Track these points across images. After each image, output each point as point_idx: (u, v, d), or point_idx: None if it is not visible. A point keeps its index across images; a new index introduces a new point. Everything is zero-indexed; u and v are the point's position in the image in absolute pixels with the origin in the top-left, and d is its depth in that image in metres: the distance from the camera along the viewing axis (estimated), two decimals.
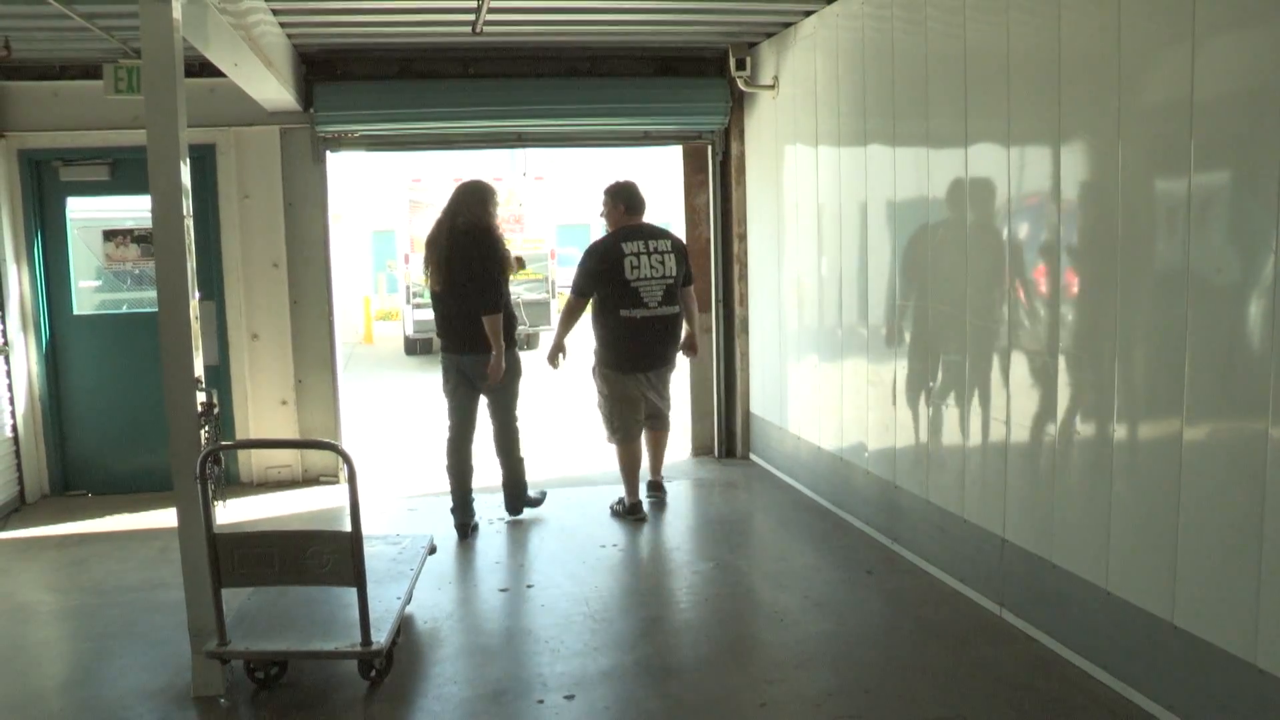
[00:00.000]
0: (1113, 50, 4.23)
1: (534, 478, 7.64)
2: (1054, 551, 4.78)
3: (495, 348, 6.62)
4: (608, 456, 7.97)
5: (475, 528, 6.98)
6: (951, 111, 5.45)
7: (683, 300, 7.24)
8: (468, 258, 6.63)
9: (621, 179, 7.34)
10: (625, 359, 7.09)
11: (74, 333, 8.19)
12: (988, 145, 5.20)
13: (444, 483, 7.10)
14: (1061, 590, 4.74)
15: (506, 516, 7.33)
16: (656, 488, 7.63)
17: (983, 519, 5.37)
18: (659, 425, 7.44)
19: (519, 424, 7.11)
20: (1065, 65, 4.55)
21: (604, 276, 6.99)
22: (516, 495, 7.24)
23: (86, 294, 8.38)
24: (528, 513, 7.40)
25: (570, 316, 7.32)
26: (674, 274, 7.07)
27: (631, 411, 7.20)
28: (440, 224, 6.83)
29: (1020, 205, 4.96)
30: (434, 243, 6.81)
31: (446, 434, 7.00)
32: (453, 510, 6.98)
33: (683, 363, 7.89)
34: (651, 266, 7.00)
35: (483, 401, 6.99)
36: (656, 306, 7.02)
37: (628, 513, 7.25)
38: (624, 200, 7.19)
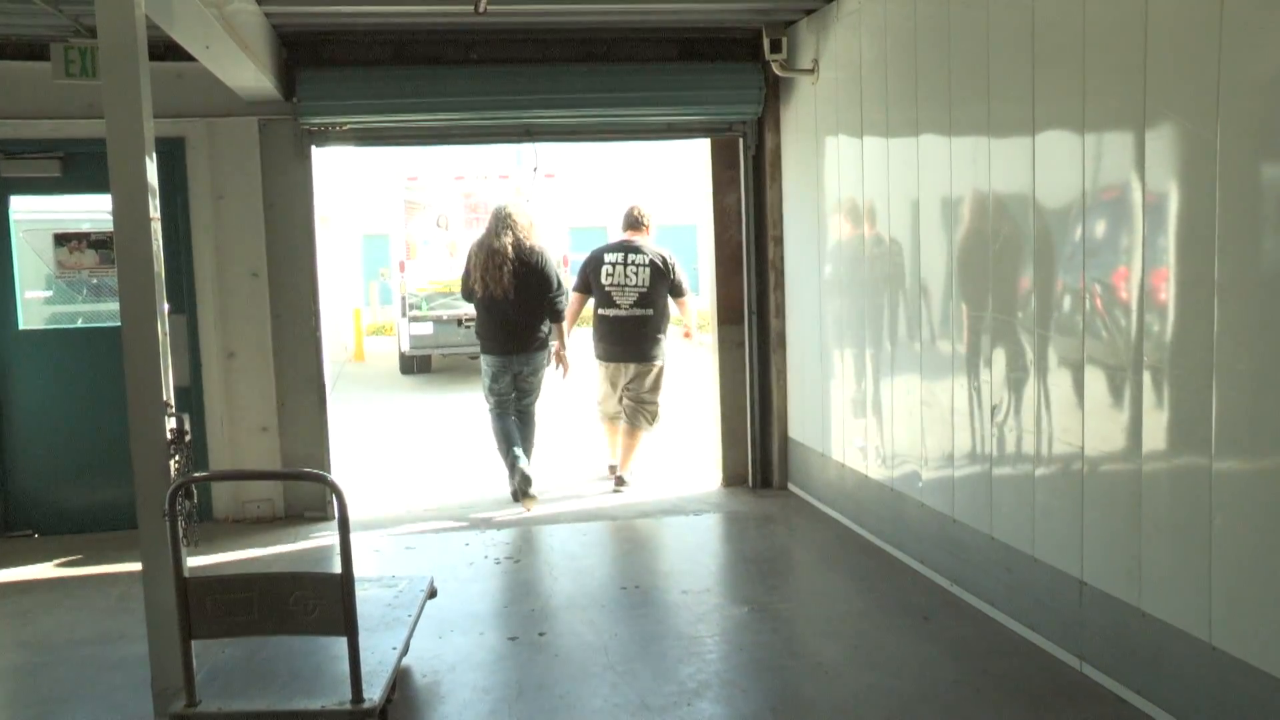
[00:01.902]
0: (1213, 13, 4.12)
1: (545, 511, 8.16)
2: (1143, 597, 4.67)
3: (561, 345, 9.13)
4: (625, 489, 9.13)
5: (529, 480, 8.61)
6: (1016, 95, 5.39)
7: (662, 308, 9.27)
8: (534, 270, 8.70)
9: (630, 203, 9.61)
10: (601, 349, 9.40)
11: (19, 350, 8.12)
12: (1059, 132, 5.12)
13: (443, 520, 7.86)
14: (1154, 643, 4.62)
15: (516, 557, 7.37)
16: (618, 480, 9.39)
17: (1056, 558, 5.28)
18: (632, 422, 9.31)
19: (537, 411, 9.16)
20: (1153, 34, 4.46)
21: (589, 279, 9.33)
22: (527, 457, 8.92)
23: (35, 306, 8.34)
24: (539, 552, 7.46)
25: (572, 310, 9.46)
26: (646, 284, 9.15)
27: (608, 395, 9.45)
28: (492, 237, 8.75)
29: (1097, 200, 4.88)
30: (495, 253, 8.65)
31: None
32: (509, 477, 8.75)
33: (710, 382, 9.40)
34: (625, 276, 9.18)
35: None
36: (628, 308, 9.17)
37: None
38: (624, 221, 9.57)
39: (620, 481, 9.32)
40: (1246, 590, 4.13)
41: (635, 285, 9.12)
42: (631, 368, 9.23)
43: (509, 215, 8.74)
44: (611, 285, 9.16)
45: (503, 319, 8.69)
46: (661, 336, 9.26)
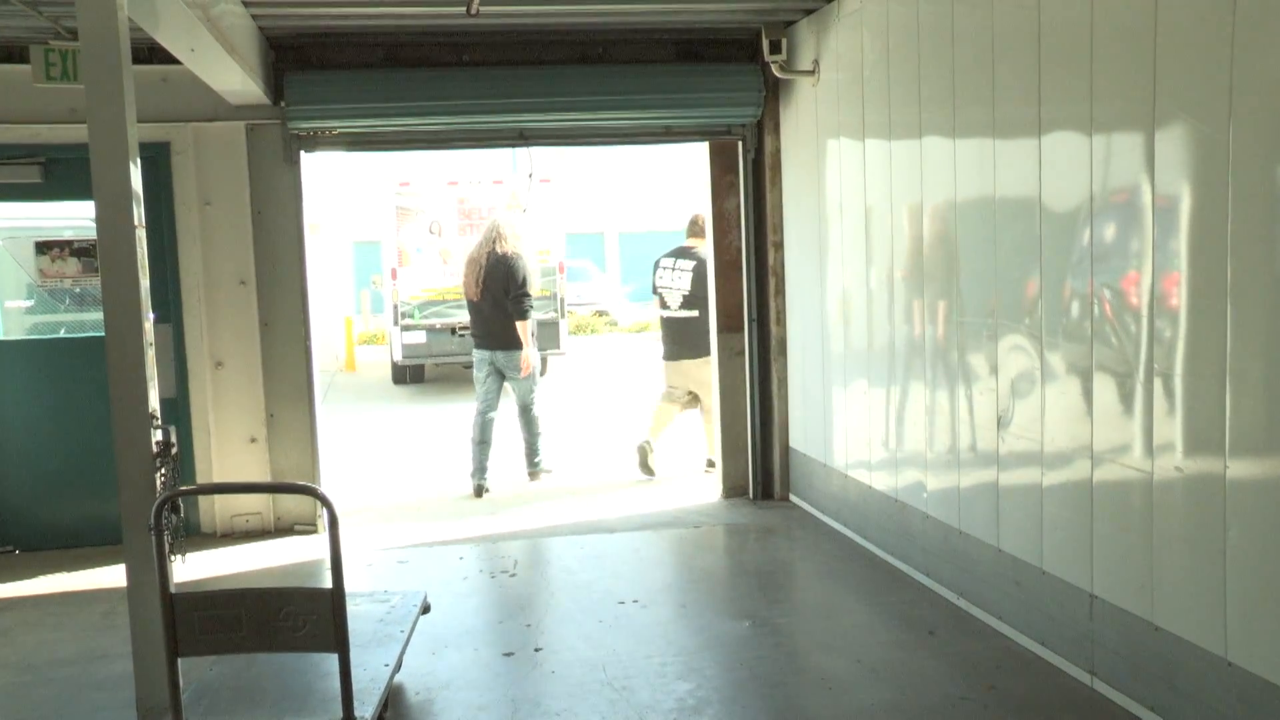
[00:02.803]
0: (1225, 11, 4.11)
1: (545, 523, 8.22)
2: (1155, 611, 4.65)
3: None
4: (625, 500, 9.19)
5: (482, 490, 9.66)
6: (1022, 96, 5.38)
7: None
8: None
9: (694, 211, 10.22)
10: (662, 348, 10.46)
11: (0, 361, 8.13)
12: (1066, 134, 5.11)
13: (438, 533, 8.16)
14: (1168, 658, 4.59)
15: (512, 571, 7.34)
16: (709, 464, 10.02)
17: (1066, 571, 5.26)
18: (704, 408, 10.03)
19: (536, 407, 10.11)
20: (1163, 33, 4.45)
21: (654, 283, 10.39)
22: (530, 449, 10.10)
23: (15, 316, 8.33)
24: (536, 566, 7.44)
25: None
26: (688, 288, 9.93)
27: (673, 389, 10.27)
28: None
29: (1105, 203, 4.87)
30: (473, 260, 10.01)
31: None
32: (472, 474, 9.72)
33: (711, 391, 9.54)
34: (673, 279, 10.10)
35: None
36: (676, 309, 10.10)
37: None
38: (687, 228, 10.40)
39: (710, 464, 9.96)
40: (1263, 604, 4.11)
41: (679, 288, 10.03)
42: (686, 364, 10.06)
43: (496, 227, 10.01)
44: (663, 288, 10.17)
45: (477, 316, 10.00)
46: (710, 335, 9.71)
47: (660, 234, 36.53)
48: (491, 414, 9.88)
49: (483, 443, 9.78)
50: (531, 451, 10.09)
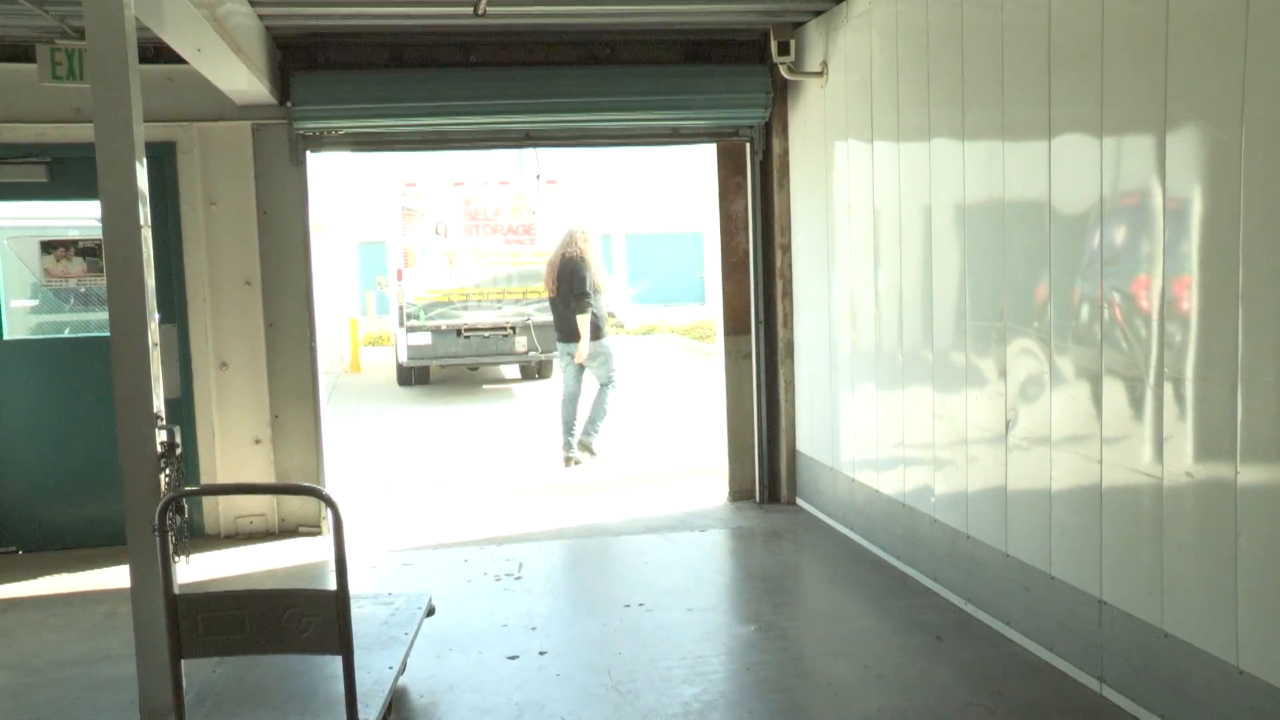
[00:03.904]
0: (1237, 12, 4.10)
1: (549, 526, 8.21)
2: (1165, 618, 4.63)
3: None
4: (630, 503, 9.16)
5: (569, 446, 11.06)
6: (1032, 98, 5.37)
7: None
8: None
9: None
10: None
11: (4, 361, 8.11)
12: (1076, 136, 5.10)
13: (441, 535, 8.27)
14: (1178, 665, 4.58)
15: (517, 574, 7.35)
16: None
17: (1074, 577, 5.24)
18: None
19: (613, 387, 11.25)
20: (1174, 34, 4.44)
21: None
22: (591, 424, 11.10)
23: (20, 315, 8.33)
24: (541, 568, 7.42)
25: None
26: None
27: None
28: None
29: (1116, 206, 4.86)
30: (550, 264, 11.49)
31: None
32: (563, 446, 11.06)
33: (718, 394, 9.41)
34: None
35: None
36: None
37: None
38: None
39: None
40: (1275, 611, 4.09)
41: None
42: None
43: (570, 233, 11.32)
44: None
45: (554, 313, 11.47)
46: None
47: (666, 235, 36.62)
48: (574, 398, 11.17)
49: (568, 421, 11.10)
50: (591, 426, 11.10)
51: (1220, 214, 4.25)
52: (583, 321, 11.01)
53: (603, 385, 11.19)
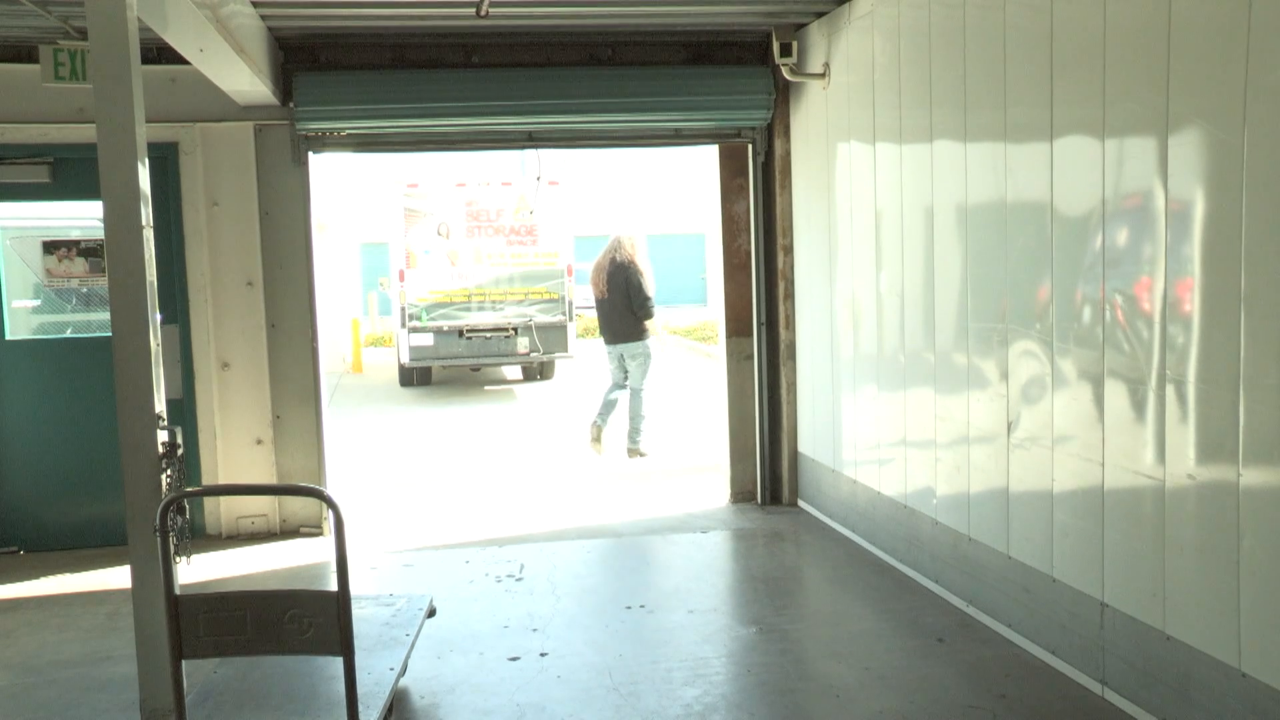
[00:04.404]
0: (1240, 14, 4.10)
1: (551, 527, 8.22)
2: (1167, 620, 4.62)
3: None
4: (632, 504, 9.16)
5: (597, 429, 11.42)
6: (1034, 99, 5.36)
7: None
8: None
9: None
10: None
11: (6, 361, 8.11)
12: (1078, 137, 5.10)
13: (442, 536, 8.25)
14: (1180, 668, 4.57)
15: (518, 575, 7.34)
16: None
17: (1076, 579, 5.24)
18: None
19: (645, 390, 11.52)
20: (1176, 36, 4.43)
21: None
22: (633, 429, 11.43)
23: (22, 316, 8.32)
24: (542, 570, 7.42)
25: None
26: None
27: None
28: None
29: (1118, 207, 4.85)
30: (599, 267, 11.62)
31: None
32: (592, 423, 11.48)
33: (720, 395, 9.37)
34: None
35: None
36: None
37: None
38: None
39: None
40: (1278, 614, 4.09)
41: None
42: None
43: (618, 239, 11.62)
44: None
45: (602, 315, 11.65)
46: None
47: (668, 237, 36.63)
48: (615, 393, 11.55)
49: (605, 408, 11.54)
50: (634, 430, 11.39)
51: (1222, 216, 4.25)
52: (651, 326, 11.50)
53: (635, 390, 11.49)
